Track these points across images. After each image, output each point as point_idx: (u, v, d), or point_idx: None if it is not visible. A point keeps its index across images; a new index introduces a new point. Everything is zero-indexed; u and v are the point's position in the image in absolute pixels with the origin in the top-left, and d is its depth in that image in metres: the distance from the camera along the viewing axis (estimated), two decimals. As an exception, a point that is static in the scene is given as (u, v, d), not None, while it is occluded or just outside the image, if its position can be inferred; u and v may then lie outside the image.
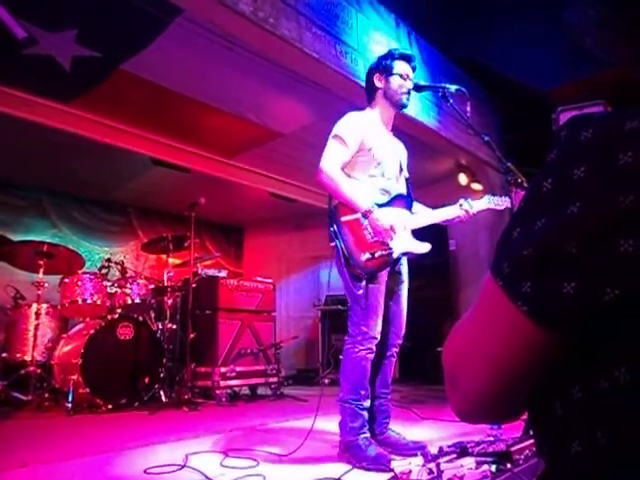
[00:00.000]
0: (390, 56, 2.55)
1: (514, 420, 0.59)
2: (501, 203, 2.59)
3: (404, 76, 2.52)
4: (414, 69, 2.59)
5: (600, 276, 0.43)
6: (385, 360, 2.50)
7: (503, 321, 0.49)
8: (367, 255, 2.30)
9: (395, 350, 2.53)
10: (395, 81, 2.50)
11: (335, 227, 2.35)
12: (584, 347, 0.47)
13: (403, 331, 2.55)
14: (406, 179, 2.65)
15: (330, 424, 2.42)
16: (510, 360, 0.49)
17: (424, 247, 2.49)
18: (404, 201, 2.53)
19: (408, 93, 2.52)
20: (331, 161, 2.38)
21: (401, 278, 2.56)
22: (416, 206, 2.62)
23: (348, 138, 2.40)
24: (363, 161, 2.45)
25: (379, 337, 2.34)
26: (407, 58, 2.57)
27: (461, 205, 2.56)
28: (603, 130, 0.46)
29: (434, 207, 2.71)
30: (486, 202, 2.58)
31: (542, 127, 3.98)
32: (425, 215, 2.60)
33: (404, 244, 2.43)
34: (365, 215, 2.32)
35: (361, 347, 2.30)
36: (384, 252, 2.33)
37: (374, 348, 2.33)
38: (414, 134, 5.04)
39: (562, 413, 0.49)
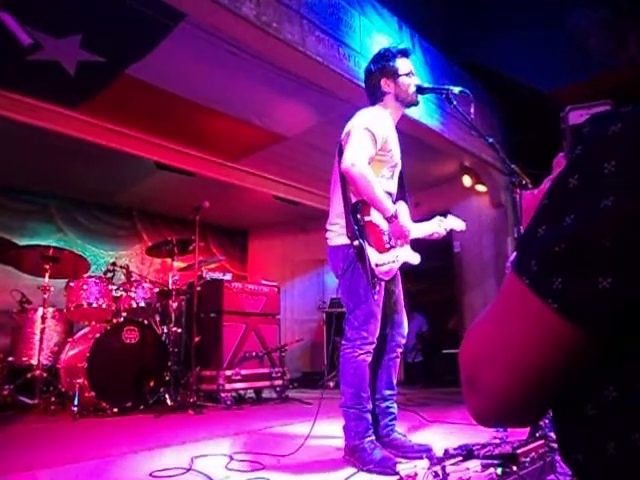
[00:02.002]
0: (391, 56, 2.49)
1: (534, 424, 0.58)
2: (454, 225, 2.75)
3: (410, 74, 2.48)
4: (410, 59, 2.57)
5: (638, 270, 0.42)
6: (390, 362, 2.49)
7: (530, 320, 0.48)
8: (382, 260, 2.30)
9: (400, 351, 2.53)
10: (404, 82, 2.47)
11: (360, 225, 2.26)
12: (619, 344, 0.45)
13: (406, 331, 2.56)
14: (403, 184, 2.64)
15: (335, 427, 2.41)
16: (538, 360, 0.48)
17: (416, 258, 2.55)
18: (404, 209, 2.52)
19: (416, 89, 2.49)
20: (363, 156, 2.27)
21: (397, 279, 2.57)
22: None
23: (378, 135, 2.33)
24: (381, 161, 2.41)
25: (376, 342, 2.34)
26: (405, 53, 2.52)
27: (440, 222, 2.68)
28: (633, 124, 0.46)
29: (438, 209, 2.72)
30: (436, 223, 2.70)
31: (545, 128, 3.98)
32: (417, 227, 2.62)
33: (405, 254, 2.47)
34: (390, 219, 2.29)
35: (360, 351, 2.28)
36: (393, 259, 2.35)
37: (372, 351, 2.32)
38: (418, 136, 5.04)
39: (594, 414, 0.48)
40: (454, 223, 2.75)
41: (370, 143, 2.31)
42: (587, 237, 0.44)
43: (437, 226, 2.67)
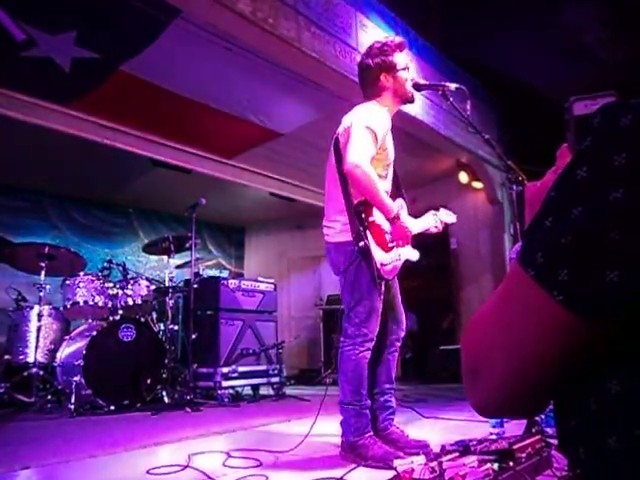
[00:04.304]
0: (390, 50, 2.45)
1: (535, 416, 0.58)
2: (448, 218, 2.73)
3: (407, 69, 2.46)
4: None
5: None
6: (389, 355, 2.49)
7: (534, 311, 0.47)
8: (387, 259, 2.30)
9: (398, 344, 2.53)
10: (402, 77, 2.44)
11: (364, 226, 2.25)
12: (623, 338, 0.45)
13: (405, 325, 2.57)
14: (398, 182, 2.63)
15: (332, 424, 2.42)
16: (540, 352, 0.47)
17: (415, 255, 2.55)
18: (402, 207, 2.52)
19: (413, 86, 2.47)
20: (367, 156, 2.22)
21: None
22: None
23: (379, 134, 2.29)
24: (378, 159, 2.37)
25: (375, 339, 2.34)
26: (402, 47, 2.50)
27: (435, 215, 2.67)
28: None
29: (435, 206, 2.72)
30: (431, 217, 2.68)
31: (542, 125, 3.98)
32: (416, 223, 2.60)
33: (406, 251, 2.46)
34: (392, 221, 2.29)
35: (361, 348, 2.28)
36: (397, 258, 2.36)
37: (371, 349, 2.32)
38: (413, 132, 5.04)
39: (596, 408, 0.48)
40: (446, 216, 2.73)
41: (372, 142, 2.26)
42: (595, 229, 0.43)
43: (433, 220, 2.66)
